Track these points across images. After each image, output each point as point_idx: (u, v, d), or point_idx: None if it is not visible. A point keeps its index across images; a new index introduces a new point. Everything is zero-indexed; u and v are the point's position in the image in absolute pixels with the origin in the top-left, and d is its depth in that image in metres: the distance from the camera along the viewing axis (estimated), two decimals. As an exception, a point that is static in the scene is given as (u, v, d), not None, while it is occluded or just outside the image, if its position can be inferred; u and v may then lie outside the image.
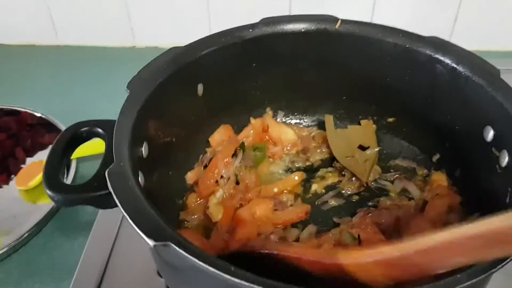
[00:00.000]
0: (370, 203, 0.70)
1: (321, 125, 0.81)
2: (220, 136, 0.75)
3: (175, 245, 0.42)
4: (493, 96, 0.59)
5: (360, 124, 0.79)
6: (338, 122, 0.81)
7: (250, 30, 0.70)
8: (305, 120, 0.83)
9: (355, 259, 0.47)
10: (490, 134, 0.60)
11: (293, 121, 0.83)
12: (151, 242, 0.42)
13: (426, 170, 0.73)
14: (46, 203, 0.84)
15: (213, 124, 0.77)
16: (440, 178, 0.70)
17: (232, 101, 0.76)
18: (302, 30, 0.71)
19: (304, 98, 0.80)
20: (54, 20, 1.23)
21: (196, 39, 0.68)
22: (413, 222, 0.61)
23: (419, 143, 0.74)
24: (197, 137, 0.76)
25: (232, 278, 0.40)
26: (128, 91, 0.59)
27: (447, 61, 0.64)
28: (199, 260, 0.41)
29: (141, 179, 0.55)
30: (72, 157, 0.91)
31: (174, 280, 0.55)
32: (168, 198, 0.69)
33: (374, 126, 0.77)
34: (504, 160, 0.58)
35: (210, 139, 0.75)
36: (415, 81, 0.69)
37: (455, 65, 0.63)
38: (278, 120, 0.82)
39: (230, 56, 0.70)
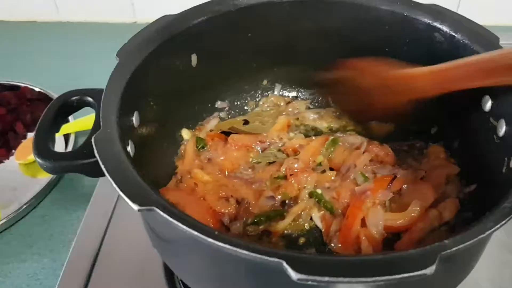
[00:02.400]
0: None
1: (319, 100, 0.81)
2: None
3: (160, 209, 0.41)
4: (493, 64, 0.57)
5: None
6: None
7: (246, -2, 0.68)
8: (302, 93, 0.82)
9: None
10: (488, 104, 0.59)
11: (291, 94, 0.81)
12: (135, 207, 0.42)
13: (423, 143, 0.71)
14: (45, 177, 0.85)
15: (211, 96, 0.77)
16: (437, 150, 0.69)
17: (228, 73, 0.75)
18: (300, -1, 0.69)
19: (301, 70, 0.78)
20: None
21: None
22: (415, 187, 0.61)
23: (417, 116, 0.73)
24: (193, 109, 0.75)
25: (216, 242, 0.39)
26: (118, 59, 0.58)
27: (446, 28, 0.62)
28: (182, 224, 0.41)
29: (131, 148, 0.55)
30: (71, 131, 0.92)
31: (165, 251, 0.55)
32: (163, 169, 0.68)
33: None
34: (502, 129, 0.56)
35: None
36: (413, 50, 0.67)
37: (453, 33, 0.61)
38: (276, 93, 0.81)
39: (224, 25, 0.68)
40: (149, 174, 0.61)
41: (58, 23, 1.27)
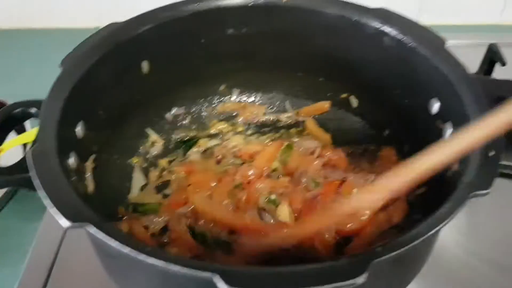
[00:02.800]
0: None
1: (277, 105, 0.80)
2: None
3: (91, 226, 0.41)
4: (437, 67, 0.57)
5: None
6: (294, 99, 0.79)
7: (196, 4, 0.67)
8: (261, 98, 0.81)
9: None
10: (435, 107, 0.60)
11: (249, 99, 0.81)
12: (65, 223, 0.41)
13: (376, 146, 0.72)
14: (2, 189, 0.83)
15: (166, 103, 0.76)
16: (389, 153, 0.69)
17: (183, 79, 0.73)
18: (250, 4, 0.68)
19: (258, 75, 0.77)
20: (17, 3, 1.20)
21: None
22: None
23: (370, 119, 0.73)
24: (148, 117, 0.74)
25: (148, 259, 0.39)
26: (61, 68, 0.57)
27: (394, 33, 0.62)
28: (115, 240, 0.40)
29: (74, 160, 0.54)
30: (29, 141, 0.90)
31: (107, 266, 0.54)
32: (115, 182, 0.67)
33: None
34: (448, 132, 0.57)
35: None
36: (364, 54, 0.67)
37: (401, 37, 0.62)
38: (233, 98, 0.80)
39: (176, 31, 0.67)
40: (102, 186, 0.61)
41: (19, 30, 1.25)
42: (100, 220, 0.42)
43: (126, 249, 0.39)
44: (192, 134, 0.77)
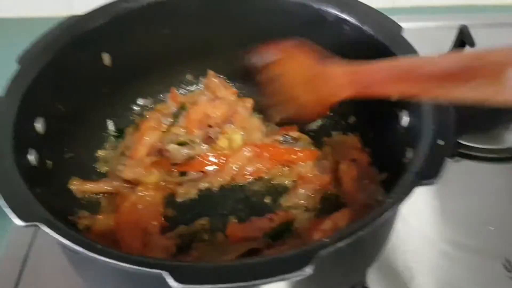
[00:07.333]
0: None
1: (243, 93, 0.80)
2: None
3: (44, 225, 0.41)
4: (395, 54, 0.58)
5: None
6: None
7: (155, -6, 0.67)
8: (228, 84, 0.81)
9: None
10: (394, 95, 0.60)
11: (216, 87, 0.81)
12: (19, 223, 0.42)
13: (342, 133, 0.73)
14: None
15: (132, 94, 0.76)
16: (353, 141, 0.70)
17: (147, 69, 0.73)
18: (210, -9, 0.68)
19: (224, 63, 0.77)
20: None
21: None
22: None
23: (335, 107, 0.74)
24: (114, 110, 0.74)
25: (99, 257, 0.40)
26: (19, 65, 0.56)
27: (353, 20, 0.63)
28: (66, 239, 0.41)
29: (34, 156, 0.54)
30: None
31: (70, 260, 0.55)
32: (80, 176, 0.67)
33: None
34: (404, 120, 0.58)
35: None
36: (325, 42, 0.66)
37: (359, 24, 0.62)
38: (200, 87, 0.80)
39: (137, 22, 0.67)
40: (63, 181, 0.61)
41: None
42: (54, 218, 0.42)
43: (77, 248, 0.40)
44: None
